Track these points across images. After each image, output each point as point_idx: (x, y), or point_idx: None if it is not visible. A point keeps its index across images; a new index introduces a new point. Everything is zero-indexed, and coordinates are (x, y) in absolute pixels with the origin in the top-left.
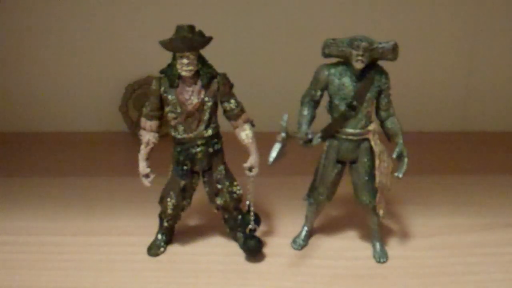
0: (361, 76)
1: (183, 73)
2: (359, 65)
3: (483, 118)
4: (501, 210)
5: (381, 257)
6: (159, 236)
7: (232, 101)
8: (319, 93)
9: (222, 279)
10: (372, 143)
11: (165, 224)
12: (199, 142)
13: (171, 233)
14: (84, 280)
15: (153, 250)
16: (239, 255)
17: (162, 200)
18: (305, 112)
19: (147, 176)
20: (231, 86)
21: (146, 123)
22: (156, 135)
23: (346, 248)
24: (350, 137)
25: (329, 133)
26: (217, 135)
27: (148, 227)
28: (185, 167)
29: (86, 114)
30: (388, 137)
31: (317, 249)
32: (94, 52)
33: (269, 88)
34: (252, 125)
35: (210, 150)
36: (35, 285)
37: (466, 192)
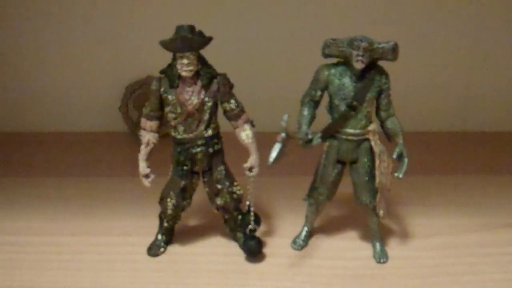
0: (361, 76)
1: (183, 73)
2: (359, 65)
3: (483, 118)
4: (501, 210)
5: (381, 257)
6: (159, 236)
7: (232, 101)
8: (319, 93)
9: (222, 279)
10: (372, 143)
11: (165, 224)
12: (199, 142)
13: (171, 233)
14: (84, 280)
15: (153, 250)
16: (239, 255)
17: (162, 200)
18: (305, 112)
19: (147, 176)
20: (231, 86)
21: (146, 123)
22: (156, 135)
23: (346, 248)
24: (350, 137)
25: (329, 133)
26: (217, 135)
27: (148, 227)
28: (185, 167)
29: (86, 114)
30: (388, 137)
31: (317, 249)
32: (94, 52)
33: (269, 88)
34: (252, 125)
35: (210, 150)
36: (35, 285)
37: (466, 192)
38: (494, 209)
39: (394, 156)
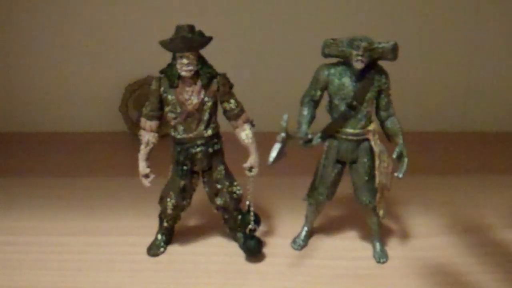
0: (361, 76)
1: (183, 73)
2: (359, 65)
3: (483, 118)
4: (501, 210)
5: (381, 257)
6: (159, 236)
7: (232, 101)
8: (319, 93)
9: (222, 279)
10: (372, 143)
11: (165, 224)
12: (199, 142)
13: (171, 233)
14: (84, 280)
15: (153, 250)
16: (239, 255)
17: (162, 200)
18: (305, 112)
19: (147, 176)
20: (231, 86)
21: (146, 123)
22: (156, 135)
23: (346, 248)
24: (350, 137)
25: (329, 133)
26: (217, 135)
27: (148, 227)
28: (185, 167)
29: (86, 114)
30: (388, 137)
31: (317, 249)
32: (94, 52)
33: (269, 88)
34: (252, 125)
35: (210, 150)
36: (35, 285)
37: (466, 192)
38: (494, 209)
39: (394, 156)
